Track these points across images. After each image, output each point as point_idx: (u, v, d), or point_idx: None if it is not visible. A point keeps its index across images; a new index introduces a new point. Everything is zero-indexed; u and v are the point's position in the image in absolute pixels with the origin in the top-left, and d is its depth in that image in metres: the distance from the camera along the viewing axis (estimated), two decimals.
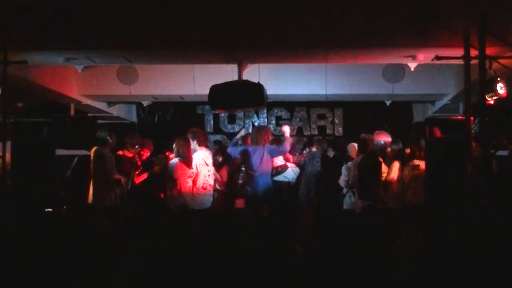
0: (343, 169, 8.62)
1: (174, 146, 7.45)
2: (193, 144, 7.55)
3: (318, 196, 8.85)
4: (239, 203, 8.11)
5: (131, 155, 7.85)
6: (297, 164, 9.04)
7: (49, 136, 6.53)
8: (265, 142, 7.90)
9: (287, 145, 8.04)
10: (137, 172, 7.76)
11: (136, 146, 7.80)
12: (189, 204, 7.10)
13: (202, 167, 7.49)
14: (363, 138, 7.97)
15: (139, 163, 7.78)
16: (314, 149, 9.61)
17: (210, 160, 7.68)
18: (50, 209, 6.32)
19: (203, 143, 7.74)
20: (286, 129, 8.35)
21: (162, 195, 7.87)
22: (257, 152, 7.82)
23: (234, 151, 8.19)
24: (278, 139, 8.64)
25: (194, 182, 7.42)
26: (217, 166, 8.24)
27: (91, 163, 7.49)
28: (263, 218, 6.53)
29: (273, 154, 8.03)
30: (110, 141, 7.55)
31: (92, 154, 7.48)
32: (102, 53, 6.95)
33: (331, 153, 9.89)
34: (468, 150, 5.99)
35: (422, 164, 7.23)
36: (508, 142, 7.37)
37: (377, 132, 8.26)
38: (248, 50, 6.80)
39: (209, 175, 7.57)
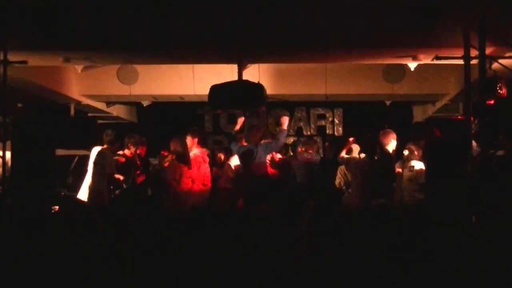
0: (339, 170, 8.55)
1: (171, 146, 7.44)
2: (192, 143, 7.54)
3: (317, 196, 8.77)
4: (240, 202, 8.09)
5: (131, 155, 7.84)
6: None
7: (49, 136, 6.53)
8: (256, 140, 7.77)
9: (281, 138, 7.83)
10: (138, 172, 7.76)
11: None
12: (189, 203, 7.10)
13: (201, 165, 7.50)
14: (378, 136, 7.79)
15: (138, 163, 7.78)
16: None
17: (207, 158, 7.70)
18: (57, 207, 6.33)
19: (201, 142, 7.75)
20: (285, 120, 7.74)
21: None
22: (253, 151, 7.75)
23: (234, 148, 8.10)
24: (272, 134, 8.48)
25: (194, 180, 7.42)
26: (219, 164, 8.22)
27: (89, 163, 7.49)
28: (263, 218, 6.53)
29: (268, 150, 7.83)
30: (116, 144, 7.56)
31: (93, 154, 7.46)
32: (102, 53, 6.94)
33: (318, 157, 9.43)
34: (468, 150, 6.00)
35: (418, 164, 7.22)
36: (506, 142, 7.36)
37: (383, 131, 7.99)
38: (248, 50, 6.81)
39: (206, 173, 7.59)
